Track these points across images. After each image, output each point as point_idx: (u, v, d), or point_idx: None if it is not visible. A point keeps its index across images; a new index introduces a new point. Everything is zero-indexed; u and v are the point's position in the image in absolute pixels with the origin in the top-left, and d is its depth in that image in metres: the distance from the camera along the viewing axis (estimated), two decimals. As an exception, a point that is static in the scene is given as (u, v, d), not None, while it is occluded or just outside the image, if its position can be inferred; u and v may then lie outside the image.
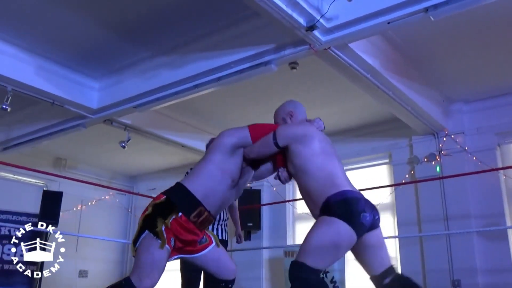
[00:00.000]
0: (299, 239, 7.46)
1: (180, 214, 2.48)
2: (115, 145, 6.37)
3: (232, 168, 2.62)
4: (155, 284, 2.46)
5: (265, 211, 7.61)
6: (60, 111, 5.56)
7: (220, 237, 4.38)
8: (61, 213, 7.41)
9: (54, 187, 8.03)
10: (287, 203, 7.45)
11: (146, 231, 2.46)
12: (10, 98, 4.96)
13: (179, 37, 4.69)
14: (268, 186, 7.74)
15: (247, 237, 7.53)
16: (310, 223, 8.14)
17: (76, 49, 4.99)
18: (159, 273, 2.46)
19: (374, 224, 2.46)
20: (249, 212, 7.44)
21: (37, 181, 8.27)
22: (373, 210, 2.47)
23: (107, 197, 8.94)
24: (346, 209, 2.35)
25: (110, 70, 5.39)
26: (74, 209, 8.42)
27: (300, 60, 4.52)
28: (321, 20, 3.78)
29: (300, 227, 7.53)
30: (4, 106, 4.95)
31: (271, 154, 2.66)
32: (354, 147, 7.03)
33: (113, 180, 9.44)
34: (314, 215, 2.56)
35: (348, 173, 7.60)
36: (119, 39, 4.74)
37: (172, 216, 2.46)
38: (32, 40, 4.80)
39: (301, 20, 3.78)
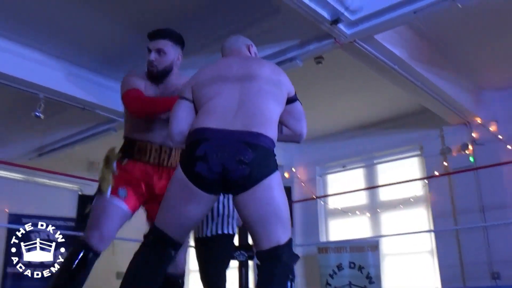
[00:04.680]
0: (333, 235, 7.42)
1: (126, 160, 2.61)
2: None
3: None
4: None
5: (296, 208, 7.59)
6: (91, 115, 5.67)
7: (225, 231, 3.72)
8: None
9: (88, 191, 8.18)
10: (318, 198, 7.42)
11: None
12: (42, 105, 5.08)
13: (203, 37, 4.71)
14: (298, 182, 7.72)
15: (280, 235, 7.51)
16: (343, 219, 8.06)
17: (104, 54, 5.06)
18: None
19: (230, 181, 1.89)
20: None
21: (72, 185, 8.45)
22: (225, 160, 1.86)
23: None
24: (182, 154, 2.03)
25: (135, 72, 5.45)
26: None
27: (326, 54, 4.49)
28: (345, 13, 3.75)
29: (333, 223, 7.49)
30: (37, 113, 5.07)
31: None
32: (383, 140, 6.94)
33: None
34: None
35: (378, 167, 7.44)
36: (140, 40, 4.77)
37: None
38: (61, 47, 4.89)
39: (325, 14, 3.75)
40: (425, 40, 4.92)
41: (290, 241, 1.93)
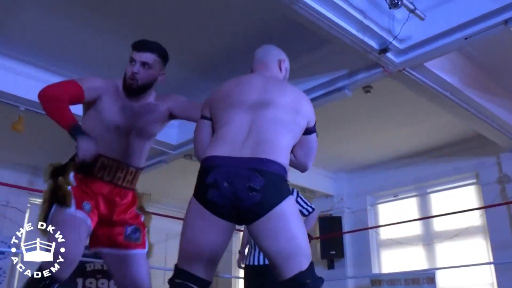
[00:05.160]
0: (386, 267, 7.21)
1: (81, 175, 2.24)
2: (195, 179, 6.54)
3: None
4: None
5: (348, 238, 7.45)
6: (143, 149, 5.82)
7: (261, 263, 3.81)
8: (147, 247, 7.69)
9: (141, 221, 8.35)
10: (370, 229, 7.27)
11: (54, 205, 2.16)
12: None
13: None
14: (349, 212, 7.60)
15: (331, 266, 7.39)
16: (396, 249, 7.82)
17: (157, 90, 5.23)
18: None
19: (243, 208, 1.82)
20: (331, 240, 7.32)
21: (125, 216, 8.64)
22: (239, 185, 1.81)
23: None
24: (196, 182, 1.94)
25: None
26: (160, 242, 8.71)
27: (374, 83, 4.47)
28: (394, 42, 3.73)
29: (386, 254, 7.29)
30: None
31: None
32: (437, 168, 6.76)
33: (195, 213, 9.66)
34: None
35: (432, 196, 7.19)
36: (196, 78, 4.93)
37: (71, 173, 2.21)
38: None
39: (373, 44, 3.75)
40: (477, 66, 4.81)
41: (312, 265, 1.86)
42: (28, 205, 7.40)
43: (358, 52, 3.84)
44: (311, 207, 4.16)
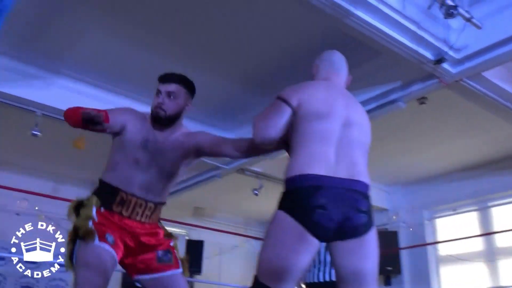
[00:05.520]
0: (445, 284, 6.95)
1: (102, 209, 2.25)
2: (248, 193, 6.59)
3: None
4: None
5: (404, 254, 7.25)
6: (197, 164, 5.90)
7: (321, 279, 3.71)
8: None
9: (194, 236, 8.47)
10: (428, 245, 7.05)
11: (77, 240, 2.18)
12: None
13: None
14: (405, 227, 7.41)
15: (387, 282, 7.20)
16: (456, 265, 7.54)
17: (208, 105, 5.32)
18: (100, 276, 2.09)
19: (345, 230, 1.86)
20: (386, 255, 7.14)
21: (180, 230, 8.78)
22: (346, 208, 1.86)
23: (245, 244, 9.17)
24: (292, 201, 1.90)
25: (240, 121, 5.66)
26: (214, 256, 8.78)
27: (430, 94, 4.37)
28: (450, 52, 3.65)
29: (446, 270, 7.03)
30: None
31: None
32: (498, 181, 6.48)
33: (248, 227, 9.69)
34: None
35: (494, 210, 6.94)
36: (245, 92, 4.98)
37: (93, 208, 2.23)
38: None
39: (428, 54, 3.68)
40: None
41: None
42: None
43: (413, 64, 3.77)
44: None
